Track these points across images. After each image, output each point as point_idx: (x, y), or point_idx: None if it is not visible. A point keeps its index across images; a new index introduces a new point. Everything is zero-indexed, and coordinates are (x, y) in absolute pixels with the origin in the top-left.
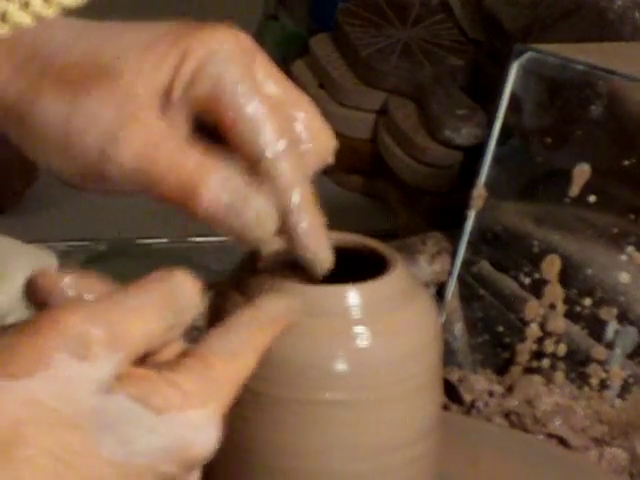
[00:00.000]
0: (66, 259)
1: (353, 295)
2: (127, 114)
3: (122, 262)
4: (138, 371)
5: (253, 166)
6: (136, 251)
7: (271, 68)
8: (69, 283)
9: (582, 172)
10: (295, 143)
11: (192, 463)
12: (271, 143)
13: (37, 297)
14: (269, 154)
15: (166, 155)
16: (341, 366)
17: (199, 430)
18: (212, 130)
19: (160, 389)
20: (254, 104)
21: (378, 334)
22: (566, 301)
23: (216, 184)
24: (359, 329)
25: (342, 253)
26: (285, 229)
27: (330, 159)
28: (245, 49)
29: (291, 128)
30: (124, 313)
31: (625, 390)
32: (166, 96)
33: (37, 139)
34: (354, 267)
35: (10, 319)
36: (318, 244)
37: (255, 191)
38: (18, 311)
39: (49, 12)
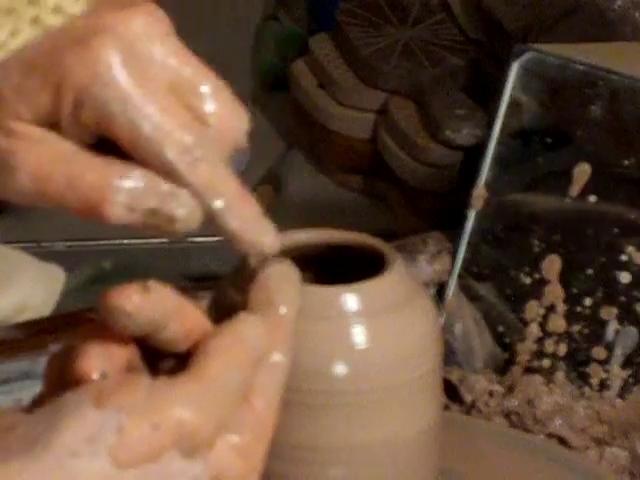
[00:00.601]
0: (73, 279)
1: (352, 295)
2: (17, 135)
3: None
4: (215, 447)
5: (166, 177)
6: (141, 269)
7: (172, 45)
8: (138, 307)
9: (582, 172)
10: (204, 133)
11: None
12: (178, 154)
13: (105, 313)
14: (179, 165)
15: (61, 175)
16: (340, 367)
17: None
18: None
19: (230, 462)
20: (148, 112)
21: (378, 334)
22: (566, 301)
23: (119, 199)
24: (358, 329)
25: (342, 251)
26: (219, 229)
27: (243, 138)
28: (136, 38)
29: (198, 113)
30: (224, 400)
31: (625, 390)
32: (52, 120)
33: None
34: (354, 265)
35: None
36: (256, 234)
37: (165, 192)
38: (23, 317)
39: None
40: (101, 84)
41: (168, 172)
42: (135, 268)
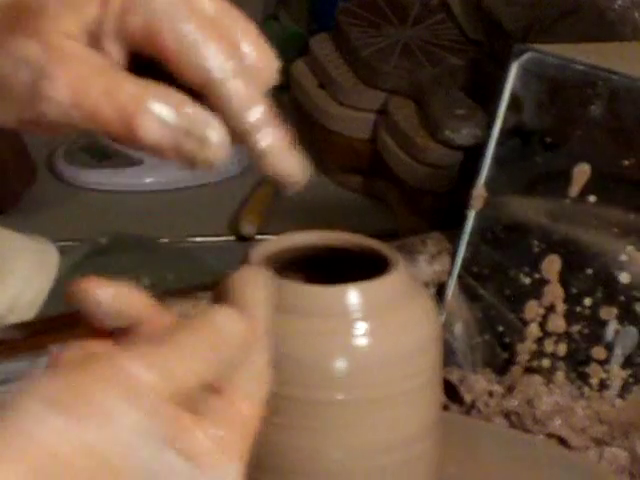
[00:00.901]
0: (68, 253)
1: (353, 295)
2: (55, 49)
3: (123, 256)
4: (185, 423)
5: (202, 91)
6: (137, 246)
7: None
8: (108, 296)
9: (582, 172)
10: (242, 62)
11: None
12: (218, 64)
13: (72, 300)
14: (217, 75)
15: (99, 86)
16: (341, 366)
17: None
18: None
19: (207, 447)
20: (193, 27)
21: (378, 334)
22: (566, 301)
23: (154, 110)
24: (359, 329)
25: (342, 253)
26: (249, 151)
27: (274, 80)
28: None
29: (235, 48)
30: (179, 360)
31: (625, 390)
32: (96, 32)
33: None
34: (354, 267)
35: (11, 318)
36: (285, 160)
37: (198, 113)
38: (18, 309)
39: None
40: None
41: (207, 83)
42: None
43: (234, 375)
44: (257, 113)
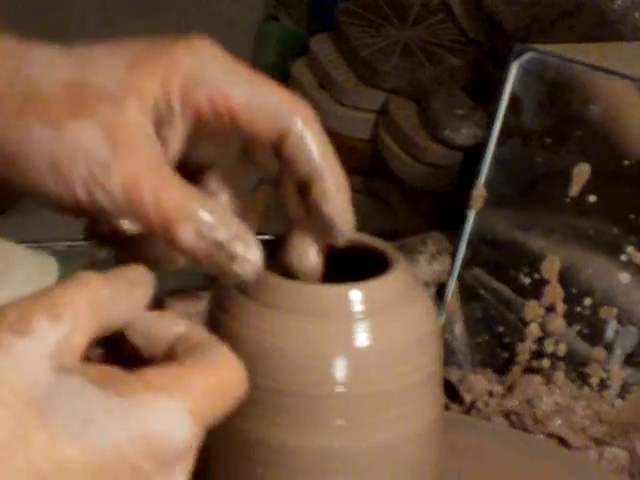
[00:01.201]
0: (67, 264)
1: (353, 294)
2: (116, 140)
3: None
4: (103, 366)
5: (278, 142)
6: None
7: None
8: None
9: (582, 172)
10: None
11: (168, 459)
12: (294, 110)
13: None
14: (297, 121)
15: (150, 185)
16: (341, 365)
17: (169, 422)
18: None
19: (121, 376)
20: (261, 82)
21: (378, 334)
22: (566, 301)
23: (194, 221)
24: (359, 329)
25: (343, 253)
26: (315, 192)
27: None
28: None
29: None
30: (68, 286)
31: (625, 390)
32: (160, 111)
33: (23, 167)
34: (354, 266)
35: None
36: (347, 206)
37: (236, 229)
38: None
39: None
40: (208, 63)
41: (285, 129)
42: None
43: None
44: (326, 157)
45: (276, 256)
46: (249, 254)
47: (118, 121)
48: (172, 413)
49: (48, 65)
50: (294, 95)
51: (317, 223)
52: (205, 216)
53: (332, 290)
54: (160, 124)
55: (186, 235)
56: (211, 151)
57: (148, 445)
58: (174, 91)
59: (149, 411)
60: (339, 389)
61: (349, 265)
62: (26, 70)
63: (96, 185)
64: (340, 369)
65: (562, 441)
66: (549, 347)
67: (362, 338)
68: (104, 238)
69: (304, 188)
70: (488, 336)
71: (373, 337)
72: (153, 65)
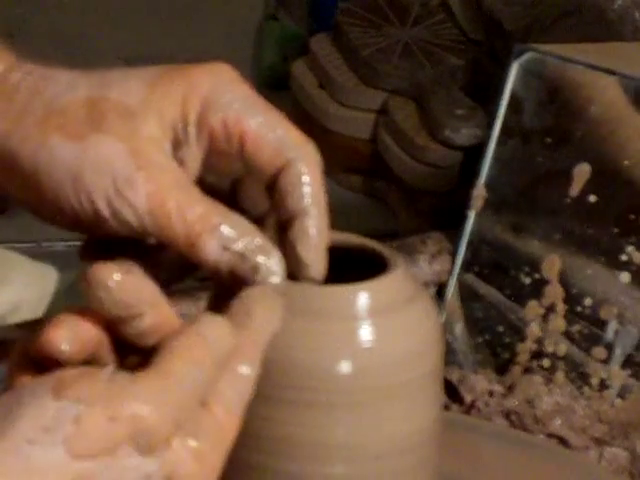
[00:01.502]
0: (67, 265)
1: (354, 296)
2: (140, 155)
3: None
4: (171, 447)
5: (275, 176)
6: None
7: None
8: (117, 285)
9: (582, 172)
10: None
11: None
12: (299, 148)
13: (82, 286)
14: (299, 159)
15: (174, 199)
16: (343, 367)
17: None
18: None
19: (185, 465)
20: (274, 115)
21: (380, 335)
22: (566, 301)
23: (218, 235)
24: (361, 330)
25: (343, 254)
26: (294, 231)
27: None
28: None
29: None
30: (184, 398)
31: (625, 390)
32: (178, 132)
33: (44, 182)
34: (355, 268)
35: (9, 321)
36: (322, 253)
37: (258, 241)
38: (17, 316)
39: None
40: (227, 85)
41: (285, 164)
42: None
43: (221, 387)
44: (313, 207)
45: None
46: (271, 265)
47: (140, 137)
48: None
49: (69, 84)
50: (303, 134)
51: (290, 259)
52: (228, 230)
53: (335, 291)
54: (177, 145)
55: (210, 248)
56: (212, 179)
57: None
58: (192, 113)
59: None
60: (340, 388)
61: (348, 267)
62: (46, 87)
63: (121, 199)
64: (342, 369)
65: (562, 441)
66: (549, 347)
67: (362, 339)
68: (100, 258)
69: (285, 225)
70: (488, 336)
71: (375, 337)
72: (173, 86)
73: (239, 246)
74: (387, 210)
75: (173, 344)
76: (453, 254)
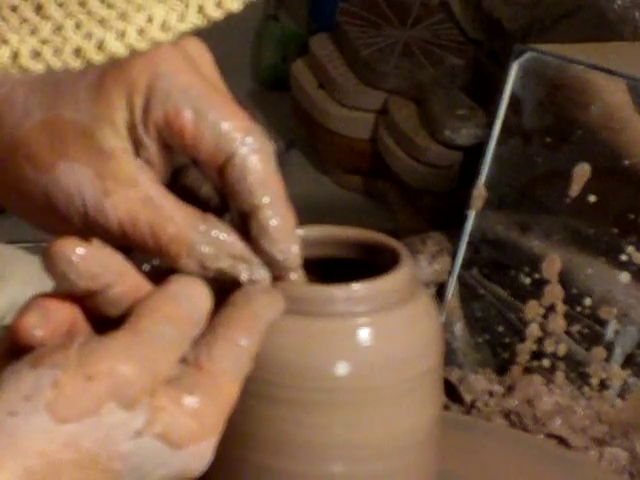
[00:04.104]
0: None
1: (354, 295)
2: (105, 177)
3: None
4: (161, 403)
5: (221, 171)
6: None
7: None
8: (83, 257)
9: (582, 172)
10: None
11: None
12: (239, 139)
13: (47, 260)
14: (239, 151)
15: (145, 220)
16: (342, 366)
17: (203, 459)
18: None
19: (181, 423)
20: (217, 102)
21: (380, 334)
22: (566, 301)
23: (195, 255)
24: (360, 329)
25: (344, 250)
26: (254, 227)
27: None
28: (188, 56)
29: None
30: (154, 349)
31: (625, 390)
32: (133, 132)
33: (20, 202)
34: (357, 264)
35: (8, 320)
36: (289, 241)
37: (238, 253)
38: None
39: (143, 45)
40: (164, 79)
41: (229, 157)
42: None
43: (214, 352)
44: (268, 196)
45: None
46: (254, 275)
47: (102, 155)
48: (210, 452)
49: (24, 106)
50: (249, 119)
51: (261, 255)
52: (205, 249)
53: (333, 290)
54: (137, 148)
55: (191, 267)
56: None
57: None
58: (137, 113)
59: (195, 457)
60: (340, 388)
61: (351, 263)
62: (5, 112)
63: (95, 225)
64: (342, 368)
65: (562, 441)
66: (549, 347)
67: (362, 339)
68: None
69: (246, 221)
70: (488, 336)
71: (375, 336)
72: (116, 90)
73: (218, 264)
74: (387, 210)
75: (144, 304)
76: (453, 254)
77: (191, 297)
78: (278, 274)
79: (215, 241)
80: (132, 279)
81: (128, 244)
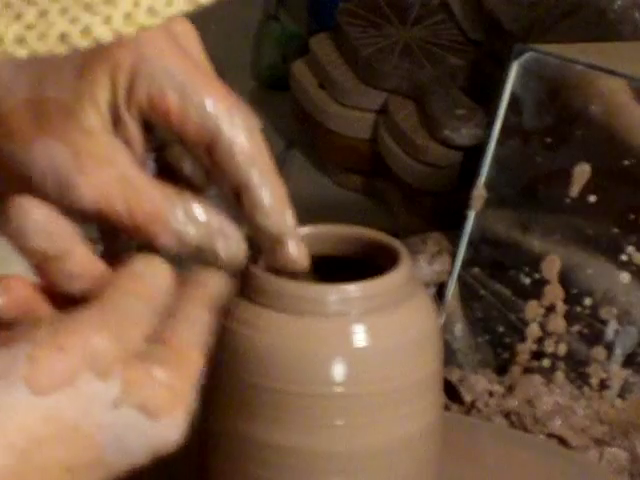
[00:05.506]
0: None
1: (353, 294)
2: (81, 155)
3: None
4: (134, 374)
5: (209, 150)
6: None
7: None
8: (42, 215)
9: (582, 172)
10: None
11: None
12: (224, 118)
13: (6, 214)
14: (226, 130)
15: (120, 197)
16: (340, 365)
17: (178, 429)
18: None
19: (156, 393)
20: (201, 82)
21: (378, 333)
22: (566, 301)
23: (171, 231)
24: (358, 328)
25: (350, 247)
26: (246, 204)
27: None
28: (174, 36)
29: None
30: (123, 322)
31: (625, 390)
32: (114, 113)
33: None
34: (356, 263)
35: None
36: (282, 213)
37: (215, 226)
38: None
39: (129, 30)
40: (148, 60)
41: (215, 136)
42: None
43: (177, 326)
44: (259, 172)
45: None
46: (231, 250)
47: (82, 134)
48: (184, 422)
49: (10, 84)
50: (233, 97)
51: (256, 233)
52: (181, 225)
53: (331, 290)
54: (117, 127)
55: (168, 244)
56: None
57: (156, 452)
58: (120, 93)
59: (171, 428)
60: (338, 389)
61: (357, 262)
62: None
63: (70, 203)
64: (339, 369)
65: (562, 441)
66: (549, 347)
67: (361, 338)
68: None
69: (238, 198)
70: (488, 336)
71: (372, 337)
72: (100, 70)
73: (195, 239)
74: (387, 210)
75: (110, 282)
76: (453, 254)
77: (155, 275)
78: (276, 247)
79: (192, 218)
80: (89, 255)
81: (105, 224)
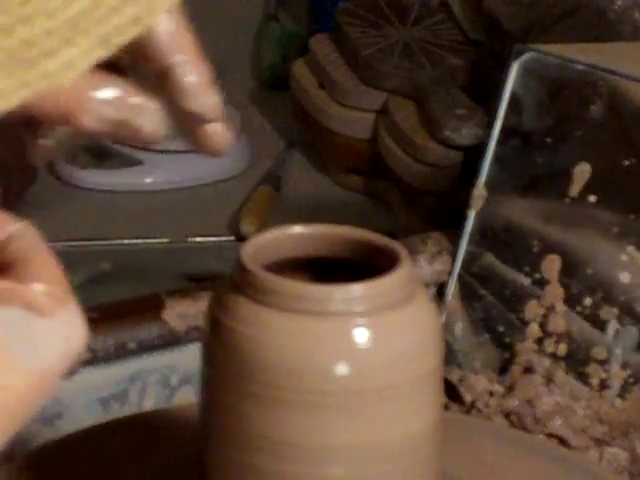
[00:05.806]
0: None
1: (354, 294)
2: None
3: (125, 283)
4: (7, 285)
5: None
6: (139, 271)
7: None
8: None
9: (582, 172)
10: None
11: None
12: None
13: None
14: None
15: None
16: (342, 366)
17: (78, 328)
18: None
19: (37, 298)
20: None
21: (379, 335)
22: (566, 301)
23: (93, 109)
24: (360, 329)
25: (343, 250)
26: (170, 88)
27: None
28: None
29: None
30: None
31: (625, 390)
32: None
33: None
34: (355, 264)
35: None
36: (206, 94)
37: (135, 103)
38: None
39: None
40: None
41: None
42: (134, 268)
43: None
44: (183, 54)
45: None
46: (152, 125)
47: None
48: (81, 318)
49: None
50: None
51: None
52: (103, 101)
53: (332, 289)
54: None
55: (88, 122)
56: None
57: (73, 353)
58: None
59: (72, 322)
60: (338, 389)
61: (356, 263)
62: None
63: None
64: (340, 368)
65: (562, 441)
66: (549, 347)
67: (363, 337)
68: None
69: (160, 86)
70: (488, 336)
71: (374, 336)
72: None
73: (114, 114)
74: (387, 210)
75: None
76: (453, 254)
77: None
78: (199, 129)
79: (111, 95)
80: None
81: (23, 111)
